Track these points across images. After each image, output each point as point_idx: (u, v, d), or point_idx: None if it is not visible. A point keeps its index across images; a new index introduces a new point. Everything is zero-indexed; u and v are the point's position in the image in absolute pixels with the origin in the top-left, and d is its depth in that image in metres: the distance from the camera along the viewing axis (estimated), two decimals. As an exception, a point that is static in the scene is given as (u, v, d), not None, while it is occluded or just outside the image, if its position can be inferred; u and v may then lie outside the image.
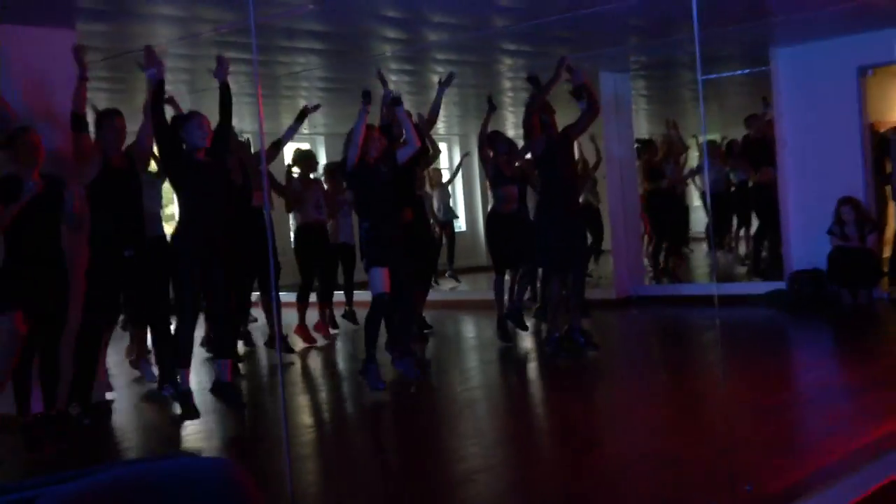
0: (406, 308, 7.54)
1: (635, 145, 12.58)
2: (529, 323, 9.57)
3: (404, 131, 7.79)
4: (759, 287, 10.97)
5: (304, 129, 16.58)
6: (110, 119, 6.74)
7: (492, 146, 9.13)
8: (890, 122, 11.67)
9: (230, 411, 6.76)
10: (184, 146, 6.53)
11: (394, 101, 7.73)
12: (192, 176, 6.48)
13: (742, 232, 13.77)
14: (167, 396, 7.25)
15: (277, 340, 8.72)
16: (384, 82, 8.39)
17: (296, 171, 10.30)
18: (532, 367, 8.34)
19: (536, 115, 8.11)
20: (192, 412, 6.47)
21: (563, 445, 5.71)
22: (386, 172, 7.44)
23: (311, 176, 10.36)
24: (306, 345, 9.80)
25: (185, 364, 6.56)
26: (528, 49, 10.17)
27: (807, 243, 10.40)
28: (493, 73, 11.79)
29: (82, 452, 6.06)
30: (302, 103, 13.72)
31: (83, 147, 6.50)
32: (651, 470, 4.94)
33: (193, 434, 6.34)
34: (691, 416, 6.04)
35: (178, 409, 6.63)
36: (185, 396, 6.52)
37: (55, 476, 2.16)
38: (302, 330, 9.89)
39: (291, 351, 9.37)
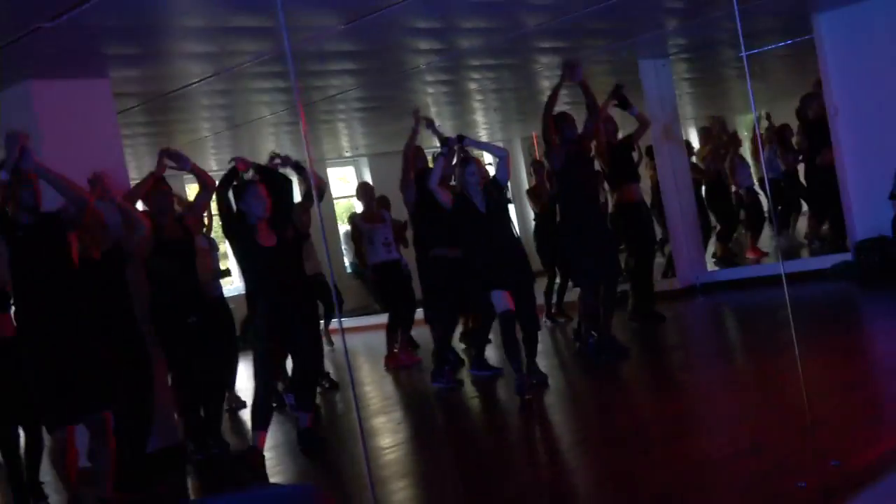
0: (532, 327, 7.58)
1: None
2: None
3: (487, 151, 7.86)
4: (825, 261, 10.84)
5: (346, 151, 16.80)
6: (158, 188, 6.91)
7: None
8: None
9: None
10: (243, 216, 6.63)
11: (458, 139, 7.72)
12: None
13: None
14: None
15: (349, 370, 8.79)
16: (436, 131, 8.57)
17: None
18: (607, 369, 8.32)
19: (551, 126, 8.09)
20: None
21: (647, 439, 5.70)
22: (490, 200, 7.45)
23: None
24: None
25: (264, 426, 6.59)
26: (563, 45, 10.16)
27: (869, 211, 10.24)
28: (531, 74, 11.80)
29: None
30: (341, 127, 13.95)
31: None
32: (737, 455, 4.92)
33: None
34: (772, 399, 6.01)
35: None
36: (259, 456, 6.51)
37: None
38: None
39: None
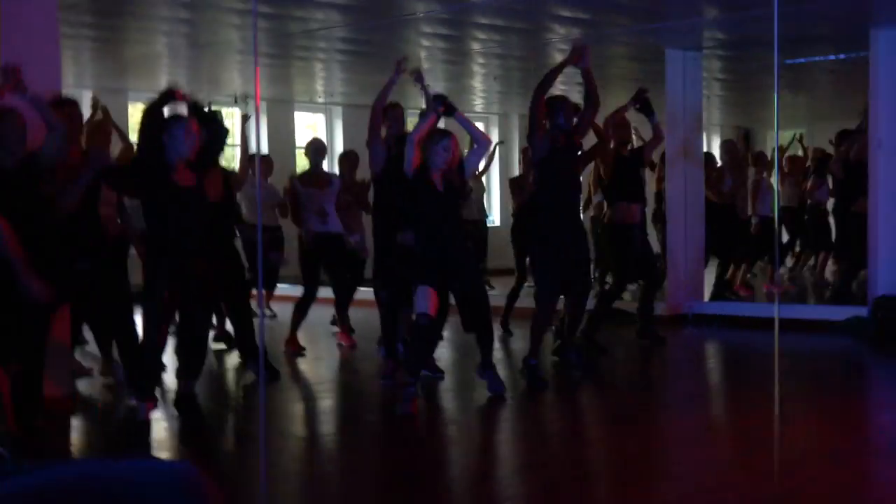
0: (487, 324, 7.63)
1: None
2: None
3: (470, 134, 7.78)
4: (837, 312, 10.95)
5: (319, 96, 16.79)
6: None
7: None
8: None
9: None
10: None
11: (448, 110, 7.69)
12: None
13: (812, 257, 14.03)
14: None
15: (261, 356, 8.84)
16: (424, 88, 8.45)
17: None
18: (587, 395, 8.39)
19: (541, 107, 8.14)
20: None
21: (605, 481, 5.77)
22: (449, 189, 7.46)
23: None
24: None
25: (149, 395, 6.91)
26: (584, 17, 10.22)
27: (894, 264, 10.37)
28: (542, 44, 11.82)
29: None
30: (318, 68, 13.94)
31: None
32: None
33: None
34: (741, 458, 6.07)
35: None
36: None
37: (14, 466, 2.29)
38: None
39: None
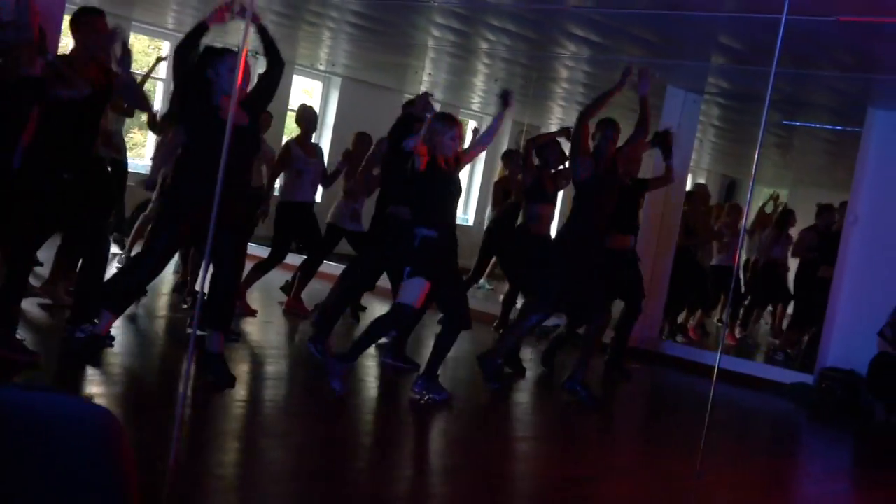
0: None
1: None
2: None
3: (493, 128, 7.61)
4: (784, 375, 11.00)
5: (321, 64, 16.69)
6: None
7: (540, 155, 9.17)
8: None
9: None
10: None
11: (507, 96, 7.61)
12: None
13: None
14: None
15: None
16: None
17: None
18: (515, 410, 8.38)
19: (586, 130, 8.16)
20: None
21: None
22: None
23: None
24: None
25: (119, 310, 6.74)
26: (596, 40, 10.20)
27: (849, 339, 10.42)
28: (549, 57, 11.80)
29: None
30: (325, 35, 13.86)
31: None
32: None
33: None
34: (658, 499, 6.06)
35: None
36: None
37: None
38: None
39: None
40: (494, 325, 10.91)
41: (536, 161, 9.26)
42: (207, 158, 6.07)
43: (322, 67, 17.13)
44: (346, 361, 7.10)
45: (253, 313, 9.65)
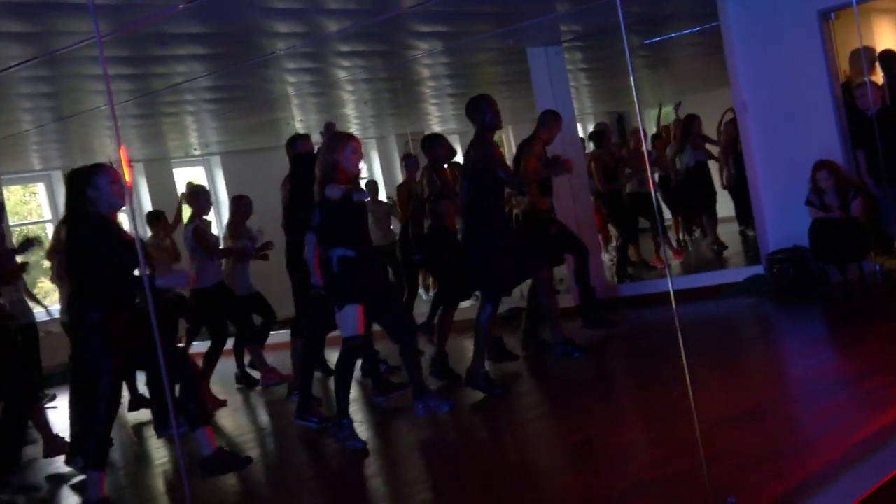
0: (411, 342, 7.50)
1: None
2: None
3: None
4: (735, 274, 11.20)
5: (195, 149, 16.64)
6: None
7: (430, 155, 9.27)
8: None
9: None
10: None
11: None
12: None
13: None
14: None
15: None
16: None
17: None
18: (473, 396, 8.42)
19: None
20: None
21: (527, 478, 5.81)
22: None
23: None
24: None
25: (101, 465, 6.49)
26: (444, 30, 10.30)
27: (783, 219, 10.59)
28: (408, 62, 11.89)
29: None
30: (189, 121, 13.84)
31: None
32: (625, 494, 5.05)
33: None
34: (664, 433, 6.15)
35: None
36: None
37: None
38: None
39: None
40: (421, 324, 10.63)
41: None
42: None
43: (197, 152, 17.07)
44: (342, 419, 7.07)
45: (223, 403, 9.64)
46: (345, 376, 7.17)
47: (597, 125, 14.67)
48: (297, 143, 8.80)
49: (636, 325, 10.66)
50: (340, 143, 7.13)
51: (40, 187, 15.81)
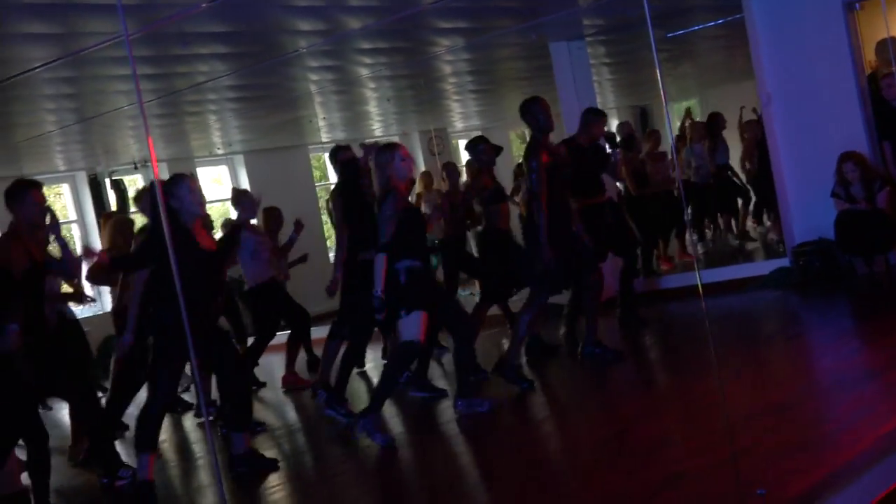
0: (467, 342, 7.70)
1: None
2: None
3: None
4: (761, 267, 11.18)
5: (218, 148, 16.70)
6: None
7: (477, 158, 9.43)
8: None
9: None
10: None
11: None
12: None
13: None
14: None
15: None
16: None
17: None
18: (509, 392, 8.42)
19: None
20: None
21: (558, 472, 5.83)
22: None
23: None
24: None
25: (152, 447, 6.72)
26: (466, 26, 10.27)
27: (809, 211, 10.55)
28: (430, 58, 11.87)
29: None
30: (212, 120, 13.89)
31: None
32: (656, 487, 5.06)
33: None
34: (693, 426, 6.17)
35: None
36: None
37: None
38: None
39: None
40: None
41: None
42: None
43: (220, 151, 17.12)
44: (372, 413, 7.10)
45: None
46: (395, 376, 7.27)
47: (620, 125, 14.53)
48: (340, 153, 9.06)
49: (664, 318, 10.63)
50: (387, 157, 7.22)
51: (65, 188, 15.90)
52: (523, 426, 7.37)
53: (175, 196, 6.56)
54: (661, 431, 6.23)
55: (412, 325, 7.14)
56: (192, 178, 6.79)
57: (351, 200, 8.56)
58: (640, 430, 6.36)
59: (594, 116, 9.45)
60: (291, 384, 10.32)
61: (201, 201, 6.70)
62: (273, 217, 10.64)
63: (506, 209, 9.45)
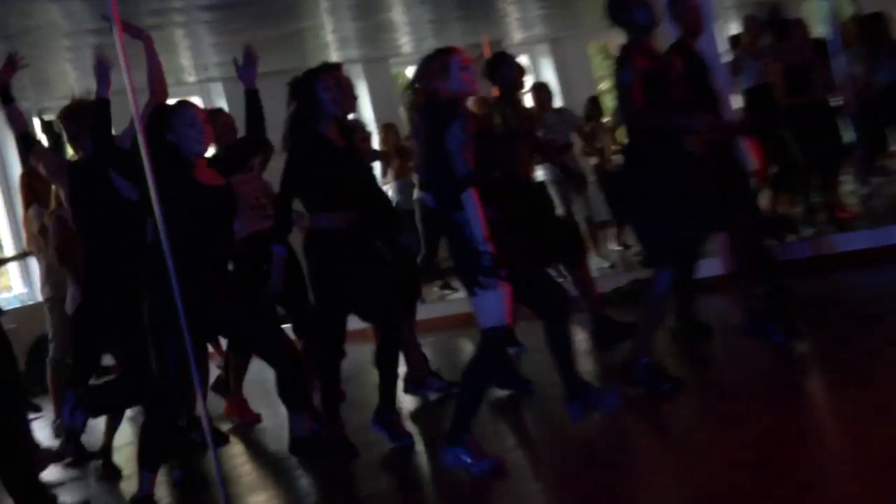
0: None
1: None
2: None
3: None
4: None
5: (189, 74, 16.68)
6: None
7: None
8: None
9: None
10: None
11: None
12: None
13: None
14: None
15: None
16: None
17: None
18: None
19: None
20: None
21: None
22: None
23: None
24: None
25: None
26: None
27: None
28: None
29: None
30: (179, 35, 13.85)
31: None
32: None
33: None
34: (865, 448, 6.07)
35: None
36: None
37: None
38: None
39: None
40: None
41: None
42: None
43: (192, 78, 17.11)
44: (463, 433, 6.93)
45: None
46: (477, 388, 7.15)
47: (746, 18, 14.20)
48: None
49: (810, 298, 10.45)
50: (437, 67, 6.90)
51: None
52: (644, 439, 7.48)
53: (173, 129, 7.14)
54: (820, 455, 6.18)
55: (493, 305, 6.82)
56: (194, 107, 7.37)
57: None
58: (787, 455, 6.24)
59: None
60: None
61: (205, 134, 7.21)
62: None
63: (526, 151, 9.63)
